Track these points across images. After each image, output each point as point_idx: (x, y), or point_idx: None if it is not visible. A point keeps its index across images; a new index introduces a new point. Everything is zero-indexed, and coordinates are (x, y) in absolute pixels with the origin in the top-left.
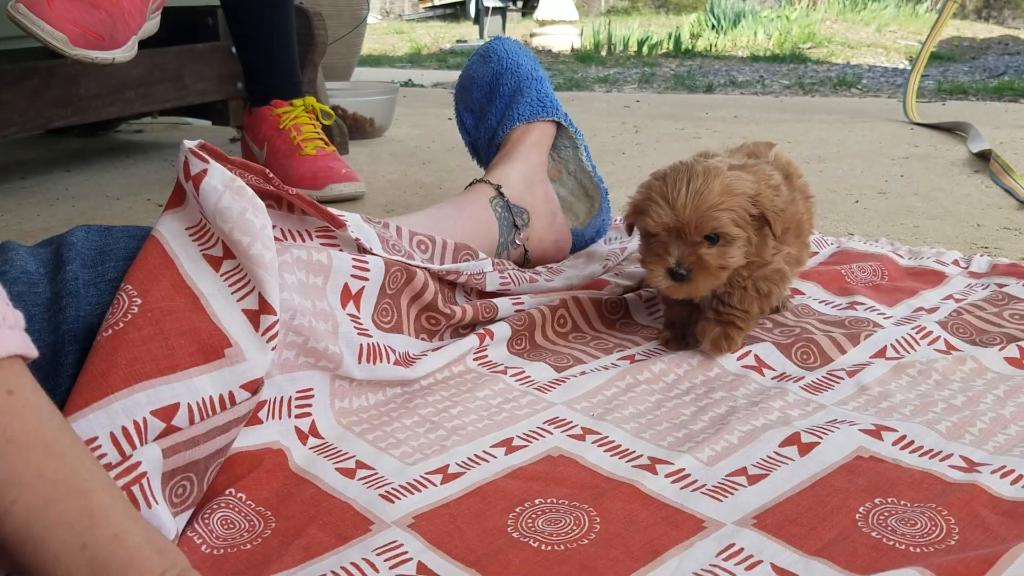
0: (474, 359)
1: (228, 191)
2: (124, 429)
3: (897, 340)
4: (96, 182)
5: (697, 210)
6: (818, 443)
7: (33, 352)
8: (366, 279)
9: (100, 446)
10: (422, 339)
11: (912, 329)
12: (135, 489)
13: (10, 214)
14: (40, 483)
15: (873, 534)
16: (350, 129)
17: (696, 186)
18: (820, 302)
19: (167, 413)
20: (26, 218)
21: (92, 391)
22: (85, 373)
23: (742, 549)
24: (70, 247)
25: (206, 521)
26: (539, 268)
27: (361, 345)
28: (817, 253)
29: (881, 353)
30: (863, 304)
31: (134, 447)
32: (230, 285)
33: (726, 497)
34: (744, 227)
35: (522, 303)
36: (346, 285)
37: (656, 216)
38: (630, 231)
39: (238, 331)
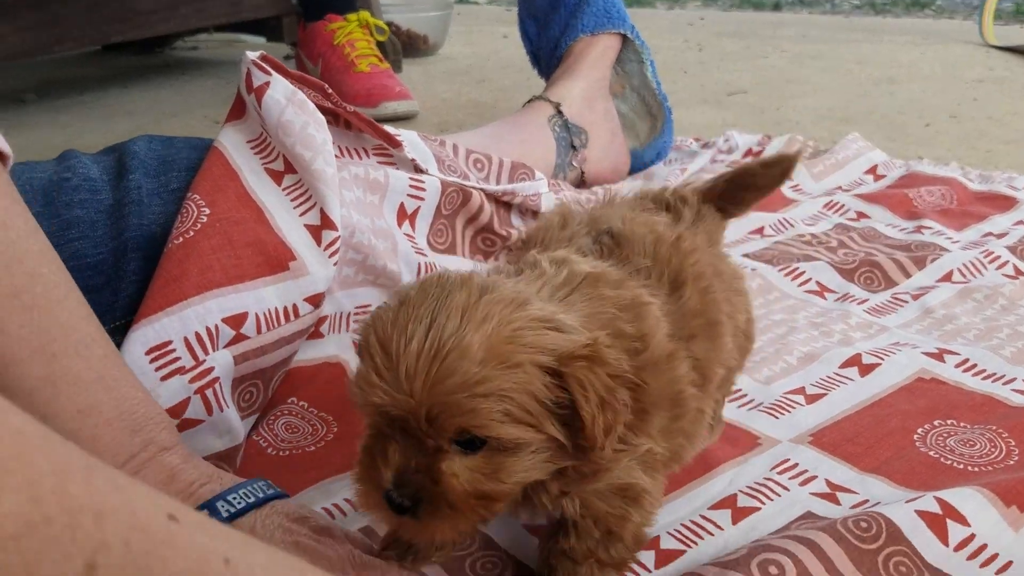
0: None
1: (291, 105)
2: (197, 335)
3: (964, 264)
4: (152, 98)
5: (434, 390)
6: (879, 364)
7: (7, 149)
8: (422, 199)
9: (174, 350)
10: (477, 260)
11: (980, 253)
12: (208, 393)
13: (69, 128)
14: (2, 339)
15: (931, 453)
16: (404, 46)
17: (442, 336)
18: (887, 225)
19: (237, 321)
20: (85, 132)
21: (166, 296)
22: (158, 279)
23: (796, 464)
24: (133, 156)
25: (271, 426)
26: (596, 189)
27: (419, 264)
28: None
29: (947, 277)
30: (930, 228)
31: (207, 353)
32: (292, 200)
33: (783, 415)
34: (537, 421)
35: None
36: (402, 204)
37: (366, 388)
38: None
39: (301, 245)
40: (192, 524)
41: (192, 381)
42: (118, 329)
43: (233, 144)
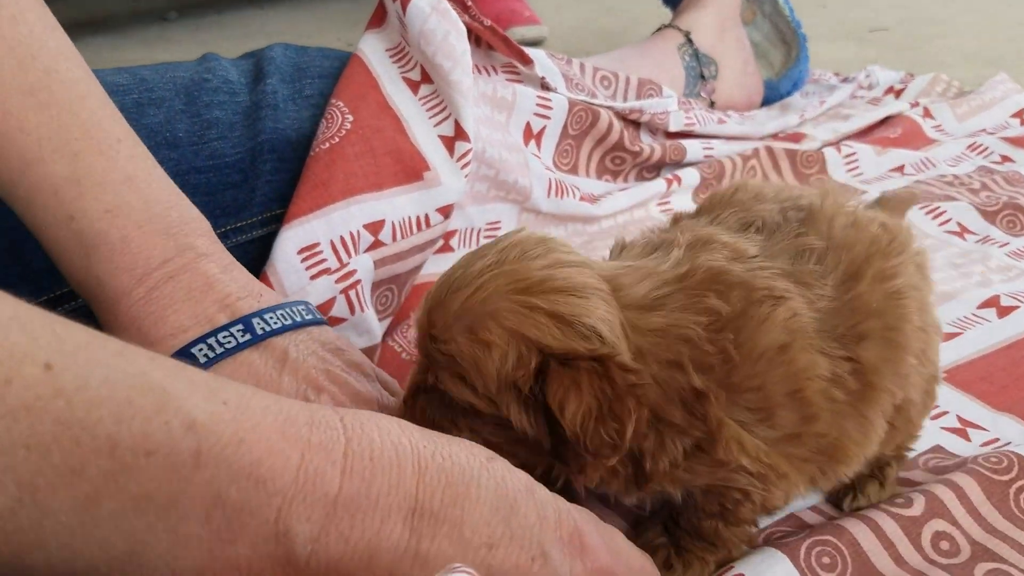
0: (657, 206)
1: (435, 13)
2: (342, 239)
3: None
4: (288, 20)
5: (430, 320)
6: (1018, 307)
7: None
8: (548, 118)
9: (321, 251)
10: (605, 180)
11: None
12: (351, 294)
13: (208, 46)
14: (21, 138)
15: None
16: None
17: (451, 282)
18: None
19: (375, 228)
20: (222, 50)
21: (314, 199)
22: (306, 181)
23: None
24: (270, 61)
25: (404, 333)
26: (729, 111)
27: (550, 180)
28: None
29: None
30: None
31: (350, 256)
32: (428, 110)
33: None
34: (497, 402)
35: (712, 148)
36: (528, 124)
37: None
38: None
39: (435, 155)
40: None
41: (338, 282)
42: (255, 224)
43: (373, 52)
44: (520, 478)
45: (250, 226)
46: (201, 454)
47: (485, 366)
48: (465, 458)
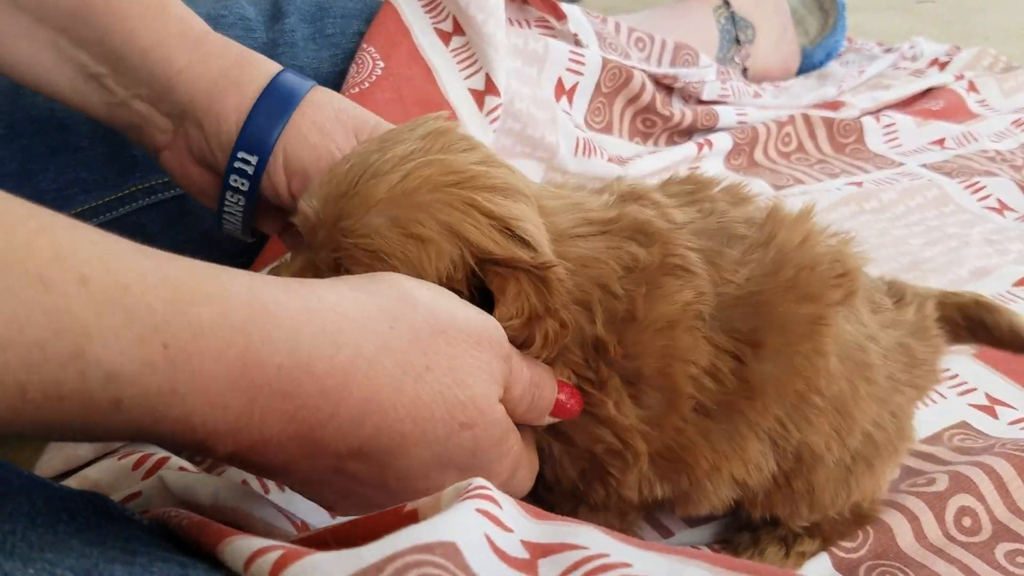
0: (688, 170)
1: None
2: None
3: None
4: None
5: (328, 213)
6: None
7: None
8: (581, 74)
9: None
10: (636, 142)
11: None
12: None
13: None
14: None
15: None
16: None
17: (365, 167)
18: None
19: None
20: None
21: None
22: None
23: (957, 375)
24: (289, 1)
25: None
26: (765, 85)
27: (578, 138)
28: None
29: None
30: None
31: None
32: (459, 62)
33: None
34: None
35: (746, 114)
36: (560, 79)
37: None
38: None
39: (464, 109)
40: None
41: None
42: None
43: (406, 0)
44: (477, 445)
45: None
46: (121, 403)
47: (420, 263)
48: (437, 424)
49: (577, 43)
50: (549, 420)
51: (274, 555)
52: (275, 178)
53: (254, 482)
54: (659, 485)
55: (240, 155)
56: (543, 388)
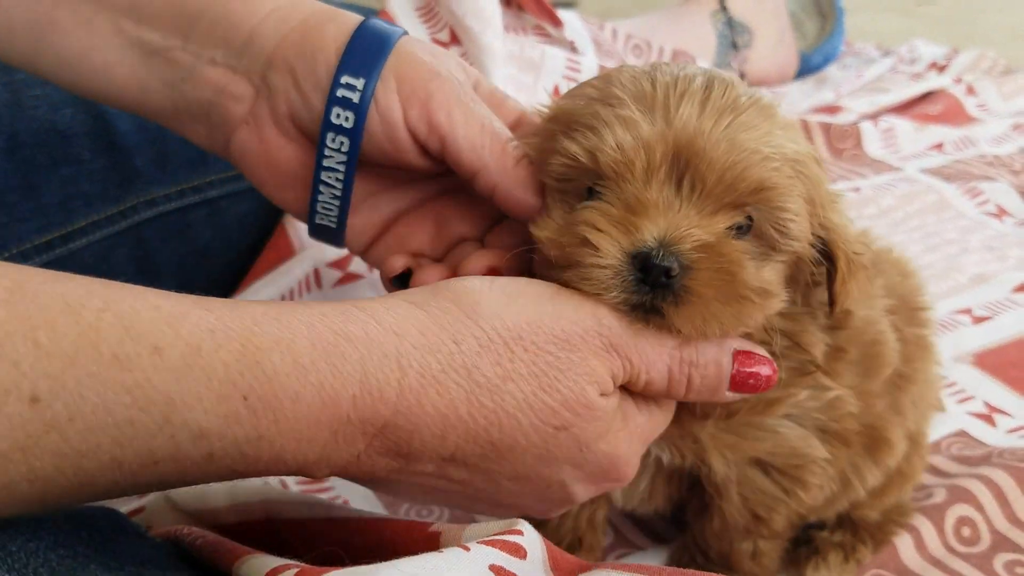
0: None
1: None
2: None
3: None
4: None
5: (735, 137)
6: None
7: None
8: (577, 81)
9: None
10: None
11: None
12: None
13: None
14: None
15: None
16: None
17: (720, 97)
18: None
19: None
20: None
21: None
22: None
23: (955, 383)
24: None
25: None
26: (763, 89)
27: None
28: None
29: None
30: None
31: None
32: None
33: (946, 333)
34: (807, 235)
35: None
36: (556, 86)
37: (622, 129)
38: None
39: None
40: None
41: None
42: None
43: (402, 10)
44: (580, 442)
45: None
46: (214, 455)
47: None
48: (528, 430)
49: (574, 50)
50: (732, 396)
51: (289, 573)
52: (387, 108)
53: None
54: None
55: (344, 80)
56: (703, 369)
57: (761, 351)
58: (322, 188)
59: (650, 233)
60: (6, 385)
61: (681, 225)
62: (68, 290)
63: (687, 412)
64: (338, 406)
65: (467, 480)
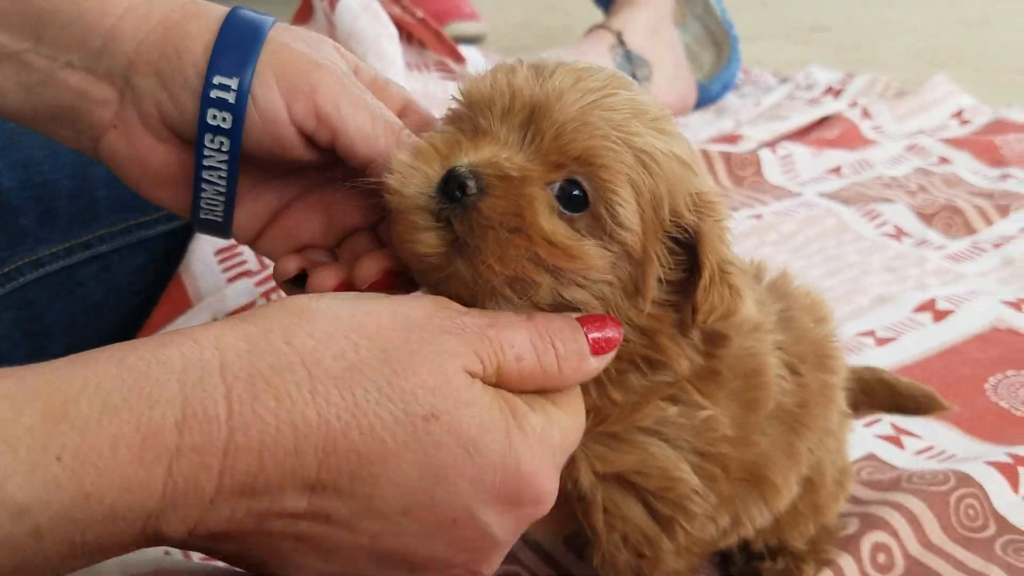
0: None
1: (365, 13)
2: None
3: None
4: None
5: (583, 115)
6: (954, 311)
7: None
8: None
9: (241, 253)
10: None
11: None
12: (273, 297)
13: None
14: None
15: (1002, 403)
16: None
17: (596, 84)
18: (970, 172)
19: None
20: None
21: None
22: None
23: None
24: None
25: None
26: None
27: None
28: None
29: None
30: (1016, 177)
31: None
32: None
33: (852, 356)
34: (650, 231)
35: None
36: None
37: (487, 80)
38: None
39: None
40: None
41: (258, 284)
42: (159, 220)
43: None
44: (461, 439)
45: (156, 221)
46: (41, 529)
47: (654, 187)
48: (392, 426)
49: None
50: (597, 363)
51: None
52: (268, 105)
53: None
54: (727, 513)
55: (216, 80)
56: (560, 335)
57: (600, 312)
58: (205, 186)
59: (468, 156)
60: None
61: (500, 157)
62: None
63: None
64: (161, 437)
65: (352, 522)
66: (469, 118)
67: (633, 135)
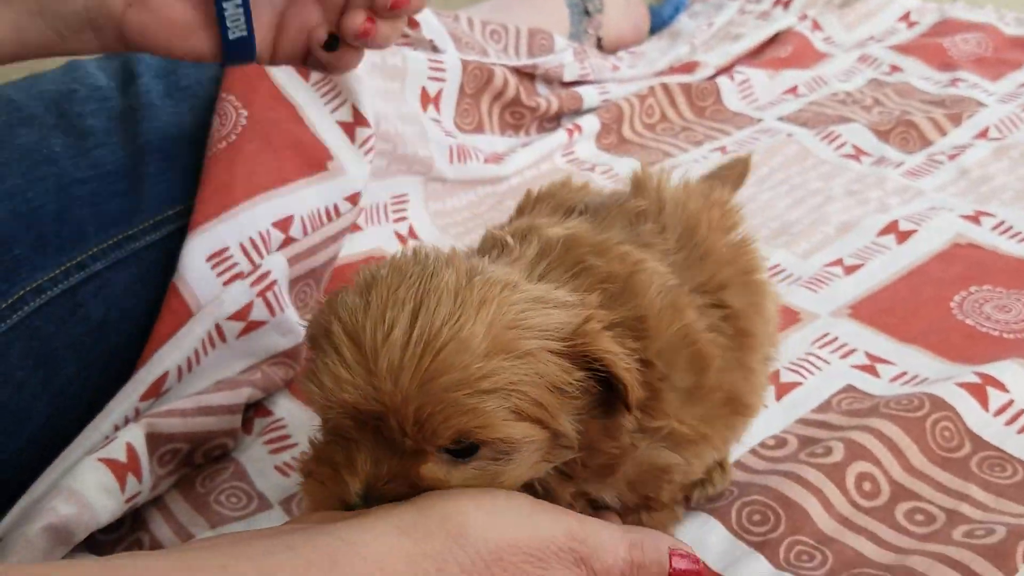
0: (562, 157)
1: None
2: (251, 240)
3: (1000, 120)
4: None
5: (428, 387)
6: (916, 231)
7: None
8: (443, 80)
9: (232, 256)
10: (508, 135)
11: (1017, 107)
12: (269, 295)
13: None
14: None
15: (967, 321)
16: None
17: (433, 324)
18: (921, 79)
19: (284, 224)
20: None
21: (218, 202)
22: (208, 185)
23: (836, 337)
24: (138, 60)
25: None
26: (621, 54)
27: (450, 146)
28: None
29: (983, 134)
30: (965, 80)
31: (262, 256)
32: (322, 96)
33: (821, 289)
34: (550, 414)
35: (608, 92)
36: (424, 88)
37: (331, 385)
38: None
39: (336, 144)
40: None
41: (253, 284)
42: (146, 230)
43: None
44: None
45: (143, 232)
46: None
47: (539, 376)
48: None
49: (434, 49)
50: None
51: None
52: None
53: None
54: (721, 447)
55: None
56: (648, 567)
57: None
58: (224, 3)
59: (355, 490)
60: None
61: (381, 476)
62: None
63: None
64: None
65: None
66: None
67: (492, 373)
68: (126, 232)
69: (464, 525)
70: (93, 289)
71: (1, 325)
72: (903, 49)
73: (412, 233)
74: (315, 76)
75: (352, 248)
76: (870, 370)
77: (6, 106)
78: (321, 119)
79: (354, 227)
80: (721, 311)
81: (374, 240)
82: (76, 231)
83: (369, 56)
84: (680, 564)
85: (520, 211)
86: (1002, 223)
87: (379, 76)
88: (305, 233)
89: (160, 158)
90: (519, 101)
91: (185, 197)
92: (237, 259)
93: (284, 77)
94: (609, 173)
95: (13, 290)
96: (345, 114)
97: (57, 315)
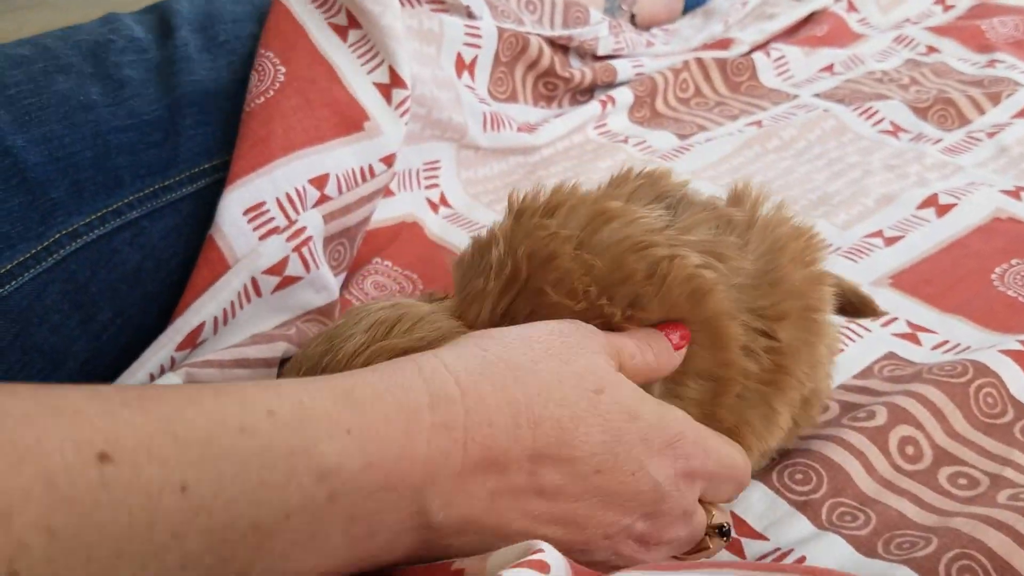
0: (594, 129)
1: None
2: (288, 195)
3: None
4: None
5: None
6: (956, 204)
7: None
8: (479, 47)
9: (268, 210)
10: (541, 107)
11: None
12: (304, 251)
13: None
14: None
15: (1009, 293)
16: None
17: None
18: (958, 60)
19: (320, 182)
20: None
21: (255, 157)
22: (245, 139)
23: None
24: (175, 13)
25: (360, 285)
26: (655, 31)
27: (484, 113)
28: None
29: (1022, 113)
30: (1003, 62)
31: (298, 213)
32: (359, 56)
33: (862, 259)
34: None
35: (642, 65)
36: (459, 54)
37: None
38: None
39: (373, 104)
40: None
41: (289, 239)
42: (182, 182)
43: None
44: (625, 407)
45: (178, 183)
46: (335, 493)
47: None
48: (575, 398)
49: (470, 15)
50: (679, 356)
51: None
52: None
53: None
54: None
55: None
56: (652, 339)
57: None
58: None
59: None
60: (160, 481)
61: None
62: (182, 390)
63: None
64: (418, 414)
65: (560, 488)
66: None
67: None
68: (162, 183)
69: (486, 333)
70: (128, 237)
71: (37, 267)
72: (940, 31)
73: (444, 200)
74: (352, 36)
75: (383, 213)
76: (911, 338)
77: (43, 54)
78: (358, 80)
79: (387, 192)
80: (768, 341)
81: (407, 206)
82: (113, 178)
83: (405, 19)
84: (676, 332)
85: (614, 184)
86: None
87: (415, 39)
88: (340, 192)
89: (197, 111)
90: (553, 71)
91: (220, 151)
92: (274, 214)
93: (321, 35)
94: (642, 146)
95: (49, 232)
96: (382, 75)
97: (92, 260)
